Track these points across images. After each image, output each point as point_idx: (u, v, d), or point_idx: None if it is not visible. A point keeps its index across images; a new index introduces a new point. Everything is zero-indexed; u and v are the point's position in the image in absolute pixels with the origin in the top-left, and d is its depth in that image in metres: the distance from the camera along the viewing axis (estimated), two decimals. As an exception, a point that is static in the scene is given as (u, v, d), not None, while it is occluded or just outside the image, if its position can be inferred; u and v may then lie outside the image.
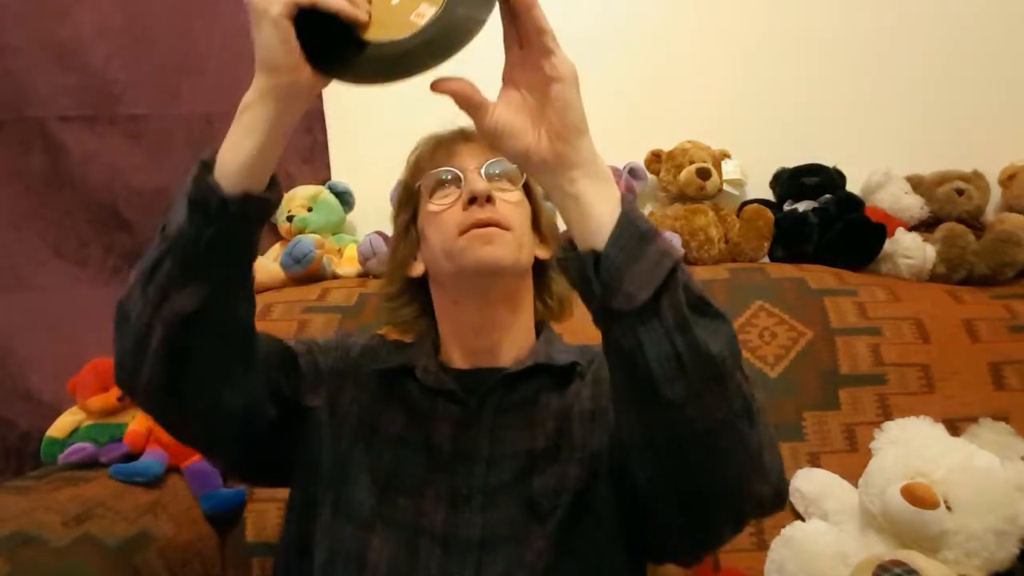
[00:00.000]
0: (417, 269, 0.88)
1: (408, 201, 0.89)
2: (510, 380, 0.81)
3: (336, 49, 0.60)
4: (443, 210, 0.81)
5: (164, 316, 0.64)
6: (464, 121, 0.71)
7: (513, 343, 0.85)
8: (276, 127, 0.62)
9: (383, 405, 0.82)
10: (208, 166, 0.63)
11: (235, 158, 0.62)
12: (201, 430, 0.75)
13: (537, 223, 0.88)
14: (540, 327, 0.89)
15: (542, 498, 0.74)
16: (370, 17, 0.60)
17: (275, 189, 0.66)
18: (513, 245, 0.80)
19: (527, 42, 0.59)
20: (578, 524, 0.73)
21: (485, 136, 0.62)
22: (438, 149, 0.87)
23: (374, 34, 0.60)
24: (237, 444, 0.77)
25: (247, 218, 0.64)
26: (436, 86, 0.60)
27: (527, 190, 0.86)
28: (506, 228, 0.80)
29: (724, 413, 0.58)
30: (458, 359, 0.85)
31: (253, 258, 0.70)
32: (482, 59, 0.62)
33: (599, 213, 0.58)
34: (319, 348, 0.87)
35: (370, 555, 0.74)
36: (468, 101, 0.60)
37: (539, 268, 0.89)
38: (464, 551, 0.73)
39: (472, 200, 0.79)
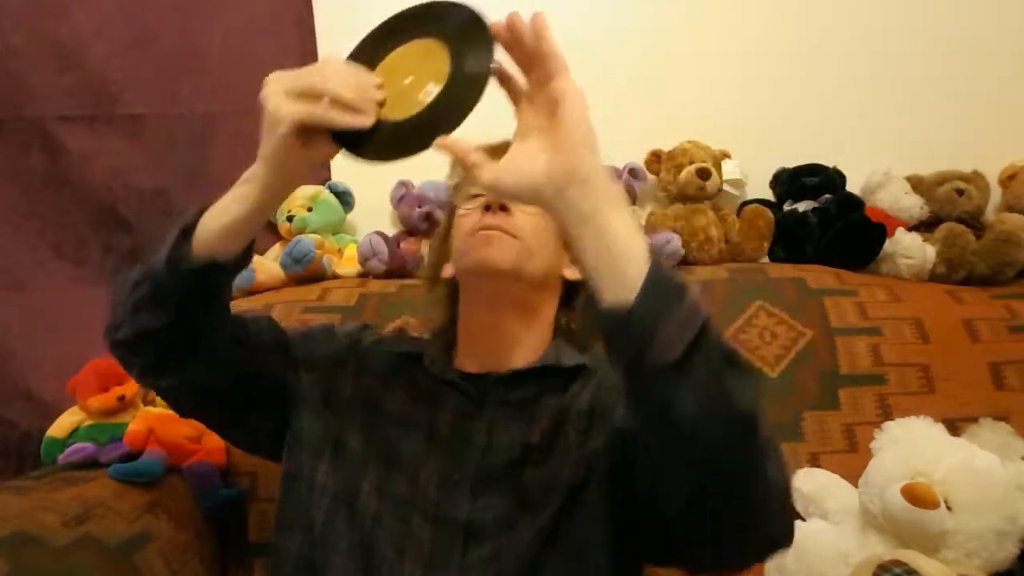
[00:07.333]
0: (447, 271, 0.93)
1: (452, 208, 0.96)
2: (514, 378, 0.83)
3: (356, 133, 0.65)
4: (466, 214, 0.87)
5: (135, 322, 0.73)
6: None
7: (524, 355, 0.86)
8: (265, 205, 0.69)
9: (388, 386, 0.86)
10: (188, 231, 0.70)
11: (218, 222, 0.69)
12: (154, 387, 0.88)
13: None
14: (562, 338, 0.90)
15: (534, 491, 0.75)
16: (384, 102, 0.66)
17: (247, 253, 0.74)
18: (515, 252, 0.82)
19: (537, 68, 0.60)
20: (568, 520, 0.74)
21: (486, 190, 0.65)
22: None
23: (387, 115, 0.66)
24: (185, 401, 0.86)
25: (211, 281, 0.72)
26: (440, 146, 0.62)
27: None
28: (513, 235, 0.82)
29: (753, 463, 0.58)
30: (469, 364, 0.87)
31: (222, 300, 0.77)
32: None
33: (627, 251, 0.55)
34: (316, 336, 0.92)
35: (367, 525, 0.77)
36: (463, 163, 0.62)
37: (572, 291, 0.91)
38: (452, 531, 0.75)
39: (488, 207, 0.83)
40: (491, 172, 0.60)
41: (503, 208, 0.83)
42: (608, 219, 0.56)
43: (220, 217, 0.69)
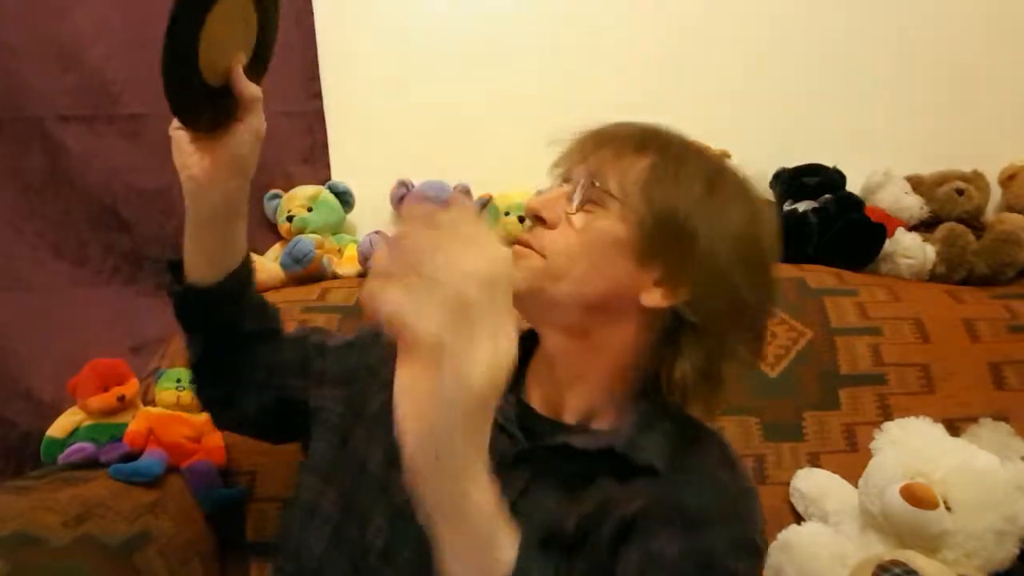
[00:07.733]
0: None
1: None
2: (568, 451, 0.69)
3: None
4: None
5: (188, 357, 0.84)
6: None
7: (580, 395, 0.73)
8: (194, 223, 0.74)
9: None
10: (176, 264, 0.78)
11: (185, 247, 0.77)
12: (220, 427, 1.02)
13: (650, 255, 0.69)
14: (659, 401, 0.72)
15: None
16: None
17: (233, 278, 0.77)
18: (532, 273, 0.70)
19: None
20: None
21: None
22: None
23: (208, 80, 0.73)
24: (247, 431, 0.95)
25: (202, 304, 0.77)
26: (362, 300, 0.66)
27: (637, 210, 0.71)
28: (540, 253, 0.70)
29: None
30: (534, 393, 0.77)
31: (236, 326, 0.80)
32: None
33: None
34: (360, 342, 0.87)
35: (373, 553, 0.72)
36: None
37: (677, 325, 0.70)
38: None
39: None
40: (398, 373, 0.49)
41: (540, 219, 0.72)
42: (443, 538, 0.49)
43: (185, 242, 0.75)
